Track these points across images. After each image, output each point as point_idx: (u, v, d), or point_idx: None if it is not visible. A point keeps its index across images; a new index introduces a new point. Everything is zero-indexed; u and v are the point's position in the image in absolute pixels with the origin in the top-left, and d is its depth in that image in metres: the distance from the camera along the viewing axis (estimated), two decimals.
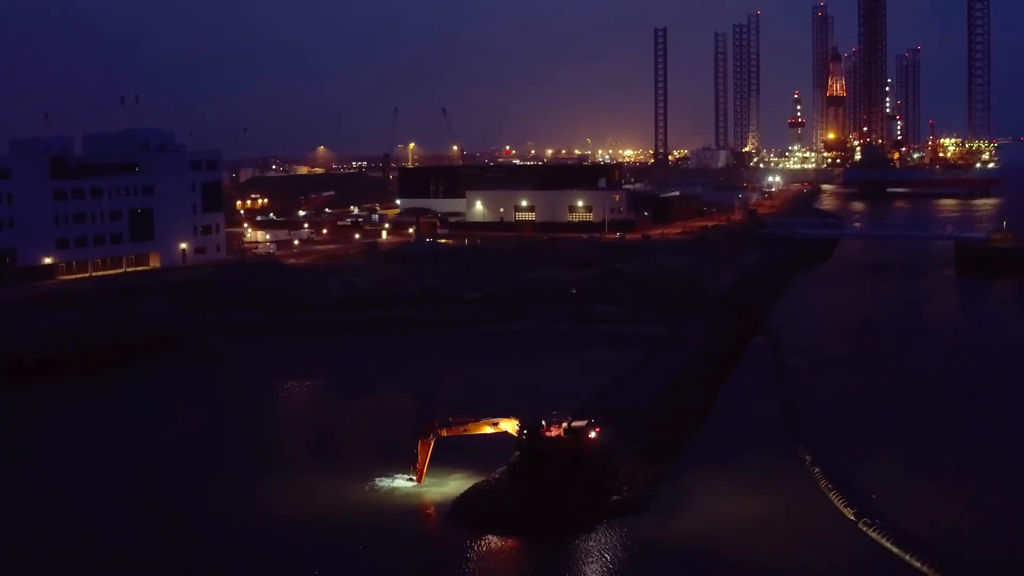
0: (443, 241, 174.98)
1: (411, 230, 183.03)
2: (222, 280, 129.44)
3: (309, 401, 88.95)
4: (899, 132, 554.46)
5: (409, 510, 58.16)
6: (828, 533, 53.72)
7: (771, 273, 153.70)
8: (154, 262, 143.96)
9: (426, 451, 59.57)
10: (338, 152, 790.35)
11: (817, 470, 60.85)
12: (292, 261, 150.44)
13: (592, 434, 57.18)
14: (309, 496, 60.80)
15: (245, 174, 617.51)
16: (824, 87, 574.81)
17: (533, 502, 54.95)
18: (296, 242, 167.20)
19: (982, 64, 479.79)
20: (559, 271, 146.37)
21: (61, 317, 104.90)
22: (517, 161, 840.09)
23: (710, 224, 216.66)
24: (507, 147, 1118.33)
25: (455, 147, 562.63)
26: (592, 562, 52.13)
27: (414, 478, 59.97)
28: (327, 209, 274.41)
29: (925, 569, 47.65)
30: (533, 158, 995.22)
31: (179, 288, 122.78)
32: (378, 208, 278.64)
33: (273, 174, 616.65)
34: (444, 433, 59.52)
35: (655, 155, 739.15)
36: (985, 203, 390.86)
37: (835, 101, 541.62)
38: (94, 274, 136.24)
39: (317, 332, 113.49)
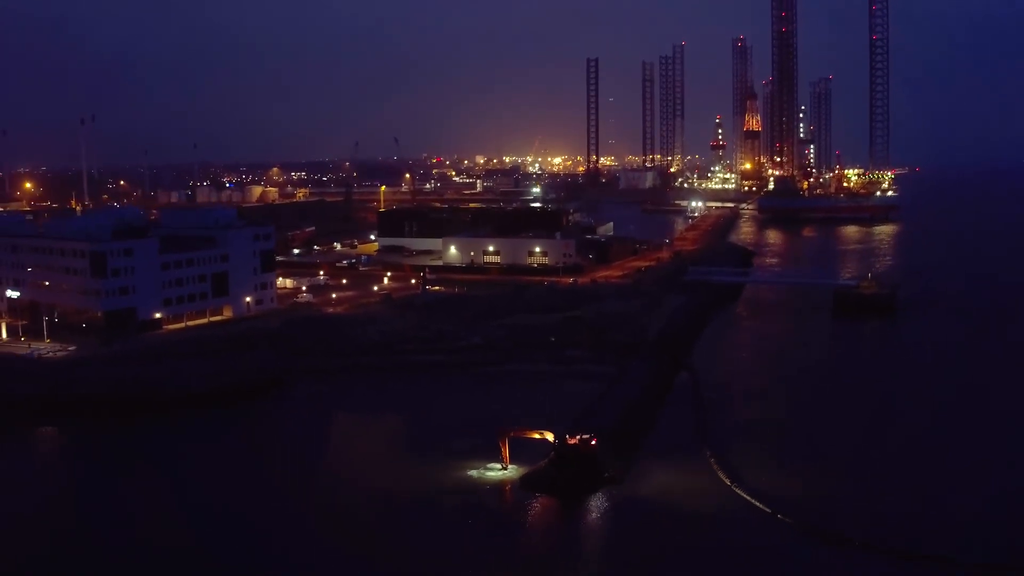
0: (437, 288, 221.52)
1: (413, 281, 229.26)
2: (291, 331, 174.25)
3: (395, 422, 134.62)
4: (810, 159, 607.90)
5: (495, 485, 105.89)
6: (717, 492, 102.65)
7: (692, 316, 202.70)
8: (227, 313, 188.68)
9: (505, 446, 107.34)
10: (278, 157, 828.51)
11: (713, 460, 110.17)
12: (331, 310, 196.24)
13: (592, 442, 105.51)
14: (432, 478, 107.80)
15: (202, 195, 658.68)
16: (743, 112, 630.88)
17: (563, 478, 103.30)
18: (334, 295, 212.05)
19: (882, 100, 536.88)
20: (531, 317, 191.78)
21: (204, 364, 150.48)
22: (453, 176, 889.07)
23: (643, 266, 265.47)
24: (438, 157, 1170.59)
25: (407, 175, 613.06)
26: (594, 510, 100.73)
27: (504, 465, 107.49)
28: (315, 247, 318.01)
29: (766, 509, 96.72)
30: (467, 168, 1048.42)
31: (266, 338, 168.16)
32: (356, 244, 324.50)
33: (228, 194, 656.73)
34: (512, 434, 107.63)
35: (586, 172, 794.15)
36: (883, 230, 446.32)
37: (751, 135, 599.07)
38: (188, 324, 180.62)
39: (371, 373, 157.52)
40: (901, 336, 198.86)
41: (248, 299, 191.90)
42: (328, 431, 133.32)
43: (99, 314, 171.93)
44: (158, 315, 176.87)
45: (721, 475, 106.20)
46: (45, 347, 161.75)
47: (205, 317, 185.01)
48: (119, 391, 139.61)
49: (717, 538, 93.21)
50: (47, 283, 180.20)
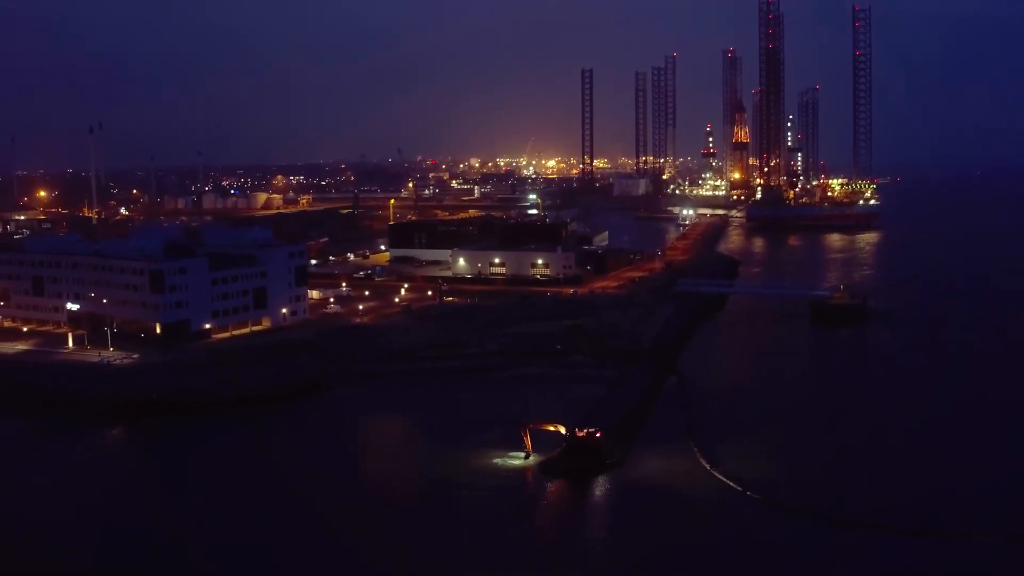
0: (451, 299, 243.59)
1: (429, 292, 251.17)
2: (324, 340, 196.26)
3: (424, 419, 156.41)
4: (798, 166, 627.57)
5: (518, 470, 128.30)
6: (700, 475, 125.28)
7: (682, 324, 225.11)
8: (266, 323, 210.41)
9: (527, 436, 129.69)
10: (276, 159, 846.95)
11: (697, 450, 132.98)
12: (357, 320, 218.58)
13: (598, 435, 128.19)
14: (463, 464, 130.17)
15: (208, 201, 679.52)
16: (733, 123, 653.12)
17: (573, 464, 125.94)
18: (361, 307, 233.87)
19: (864, 113, 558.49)
20: (536, 325, 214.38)
21: (253, 371, 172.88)
22: (451, 182, 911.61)
23: (637, 277, 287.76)
24: (433, 160, 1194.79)
25: (411, 184, 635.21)
26: (599, 490, 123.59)
27: (527, 453, 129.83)
28: (331, 257, 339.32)
29: (738, 488, 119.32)
30: (463, 172, 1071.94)
31: (303, 346, 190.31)
32: (368, 255, 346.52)
33: (233, 200, 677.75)
34: (532, 427, 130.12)
35: (581, 177, 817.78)
36: (865, 238, 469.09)
37: (740, 146, 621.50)
38: (232, 333, 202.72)
39: (398, 378, 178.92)
40: (866, 342, 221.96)
41: (284, 311, 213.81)
42: (368, 428, 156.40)
43: (156, 325, 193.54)
44: (207, 326, 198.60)
45: (703, 462, 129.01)
46: (112, 355, 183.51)
47: (247, 327, 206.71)
48: (183, 395, 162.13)
49: (698, 512, 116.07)
50: (107, 298, 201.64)
